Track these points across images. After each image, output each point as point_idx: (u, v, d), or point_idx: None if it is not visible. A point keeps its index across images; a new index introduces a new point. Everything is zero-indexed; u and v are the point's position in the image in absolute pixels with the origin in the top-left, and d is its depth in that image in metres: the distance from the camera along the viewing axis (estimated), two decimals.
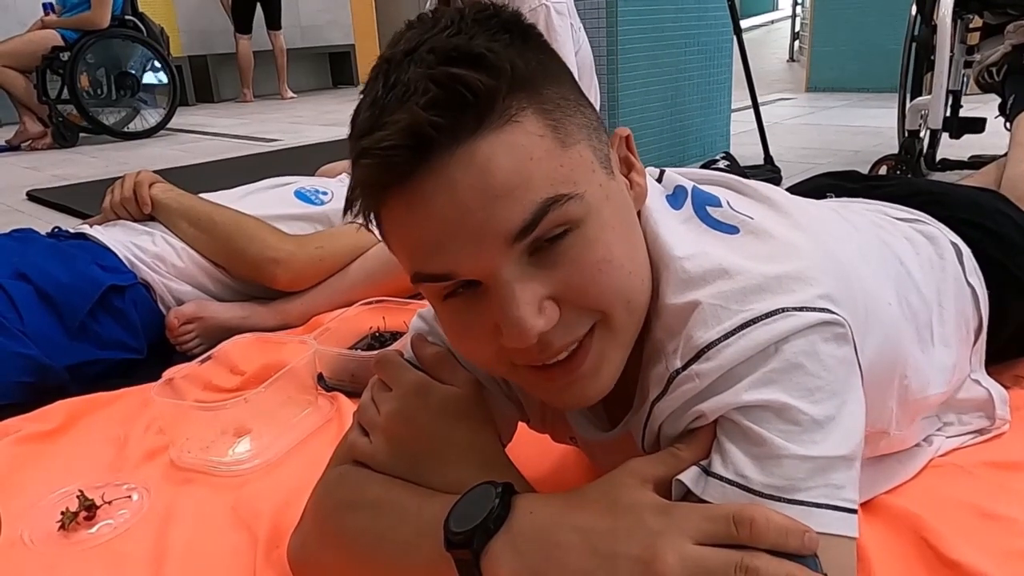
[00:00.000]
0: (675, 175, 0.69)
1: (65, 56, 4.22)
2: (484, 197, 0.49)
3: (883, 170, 2.41)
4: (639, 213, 0.61)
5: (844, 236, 0.73)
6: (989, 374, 0.96)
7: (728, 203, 0.63)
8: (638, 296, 0.56)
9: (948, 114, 2.29)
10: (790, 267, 0.56)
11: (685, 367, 0.55)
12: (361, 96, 0.54)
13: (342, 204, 1.78)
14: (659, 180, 0.68)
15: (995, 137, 2.43)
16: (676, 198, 0.65)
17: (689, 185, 0.66)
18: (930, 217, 0.94)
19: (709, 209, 0.63)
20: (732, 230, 0.61)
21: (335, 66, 7.87)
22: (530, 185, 0.50)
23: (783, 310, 0.54)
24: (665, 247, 0.59)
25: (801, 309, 0.54)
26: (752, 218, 0.61)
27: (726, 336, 0.54)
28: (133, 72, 4.60)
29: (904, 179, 1.84)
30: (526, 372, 0.57)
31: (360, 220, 0.56)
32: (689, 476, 0.55)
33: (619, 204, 0.56)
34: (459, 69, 0.48)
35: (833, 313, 0.55)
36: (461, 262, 0.51)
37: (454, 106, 0.48)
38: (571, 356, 0.55)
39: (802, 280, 0.56)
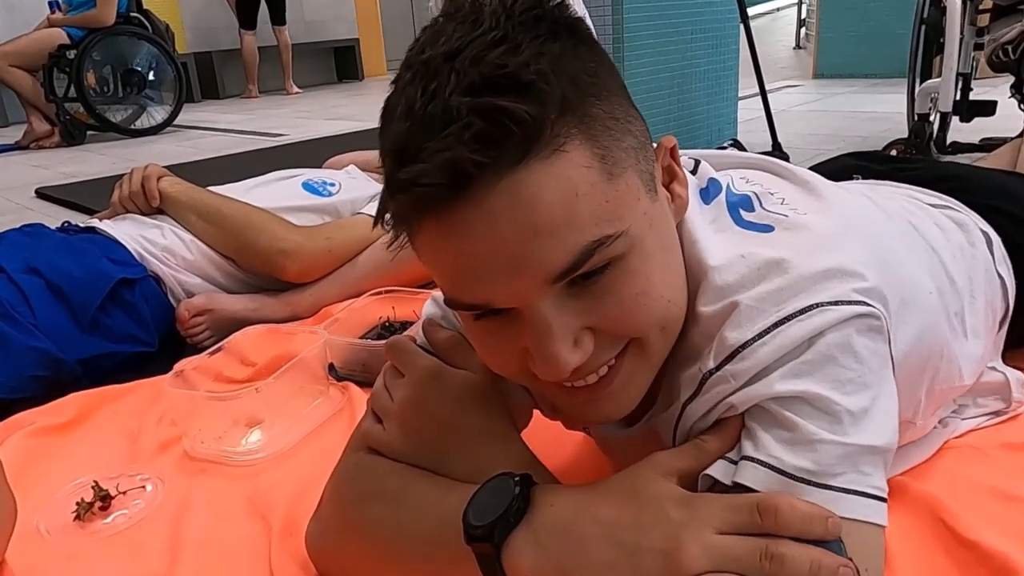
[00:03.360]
0: (709, 167, 0.68)
1: (71, 54, 4.22)
2: (526, 233, 0.47)
3: (893, 153, 2.40)
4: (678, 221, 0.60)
5: (881, 224, 0.71)
6: (1005, 359, 0.95)
7: (760, 204, 0.62)
8: (673, 320, 0.56)
9: (958, 97, 2.27)
10: (827, 263, 0.56)
11: (719, 367, 0.55)
12: (392, 87, 0.51)
13: (350, 195, 1.78)
14: (693, 171, 0.67)
15: (1006, 120, 2.42)
16: (708, 192, 0.65)
17: (724, 182, 0.65)
18: (960, 203, 0.93)
19: (742, 212, 0.62)
20: (767, 228, 0.60)
21: (340, 61, 7.86)
22: (575, 225, 0.48)
23: (817, 305, 0.53)
24: (702, 253, 0.58)
25: (836, 303, 0.54)
26: (786, 216, 0.60)
27: (761, 335, 0.53)
28: (139, 69, 4.60)
29: (931, 161, 1.81)
30: (551, 387, 0.57)
31: (392, 241, 0.54)
32: (716, 469, 0.55)
33: (660, 228, 0.55)
34: (506, 101, 0.45)
35: (869, 305, 0.54)
36: (498, 294, 0.50)
37: (499, 140, 0.45)
38: (600, 379, 0.55)
39: (837, 275, 0.55)
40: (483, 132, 0.45)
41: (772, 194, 0.64)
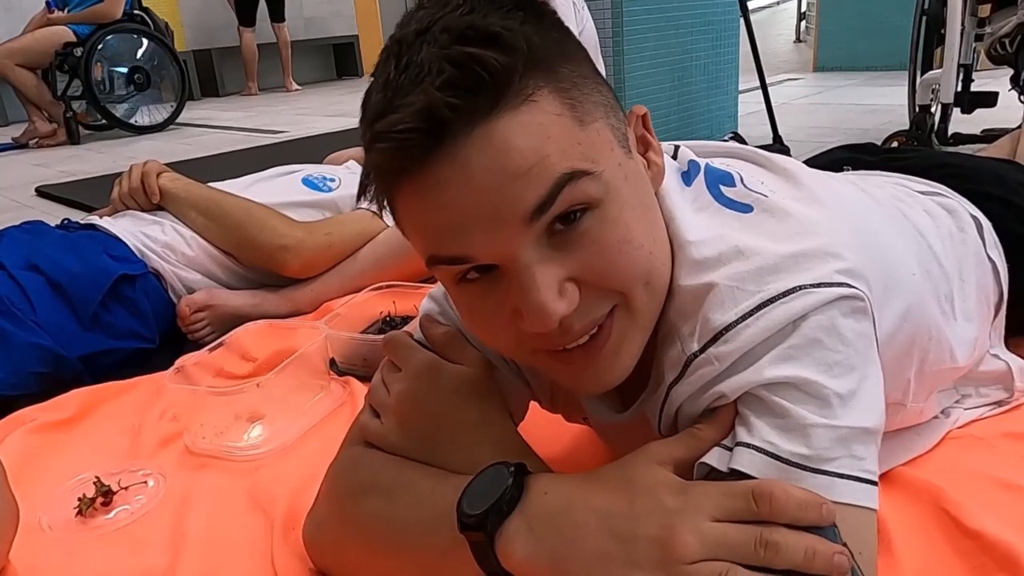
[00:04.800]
0: (689, 151, 0.68)
1: (78, 52, 4.21)
2: (501, 178, 0.48)
3: (894, 145, 2.39)
4: (656, 193, 0.60)
5: (865, 209, 0.72)
6: (1008, 347, 0.95)
7: (741, 181, 0.62)
8: (658, 276, 0.56)
9: (960, 88, 2.26)
10: (806, 244, 0.56)
11: (702, 350, 0.55)
12: (372, 78, 0.53)
13: (350, 191, 1.78)
14: (674, 156, 0.67)
15: (1007, 111, 2.41)
16: (689, 175, 0.64)
17: (702, 162, 0.65)
18: (950, 190, 0.93)
19: (722, 188, 0.62)
20: (746, 208, 0.60)
21: (339, 57, 7.85)
22: (546, 162, 0.49)
23: (800, 287, 0.53)
24: (680, 229, 0.58)
25: (819, 285, 0.54)
26: (766, 196, 0.60)
27: (744, 317, 0.53)
28: (143, 67, 4.59)
29: (923, 151, 1.81)
30: (545, 357, 0.57)
31: (374, 206, 0.56)
32: (712, 457, 0.54)
33: (637, 184, 0.55)
34: (475, 48, 0.47)
35: (852, 287, 0.54)
36: (478, 245, 0.51)
37: (470, 86, 0.47)
38: (592, 339, 0.55)
39: (818, 257, 0.55)
40: (455, 78, 0.47)
41: (753, 175, 0.64)
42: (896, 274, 0.65)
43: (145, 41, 4.59)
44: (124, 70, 4.53)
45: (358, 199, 0.56)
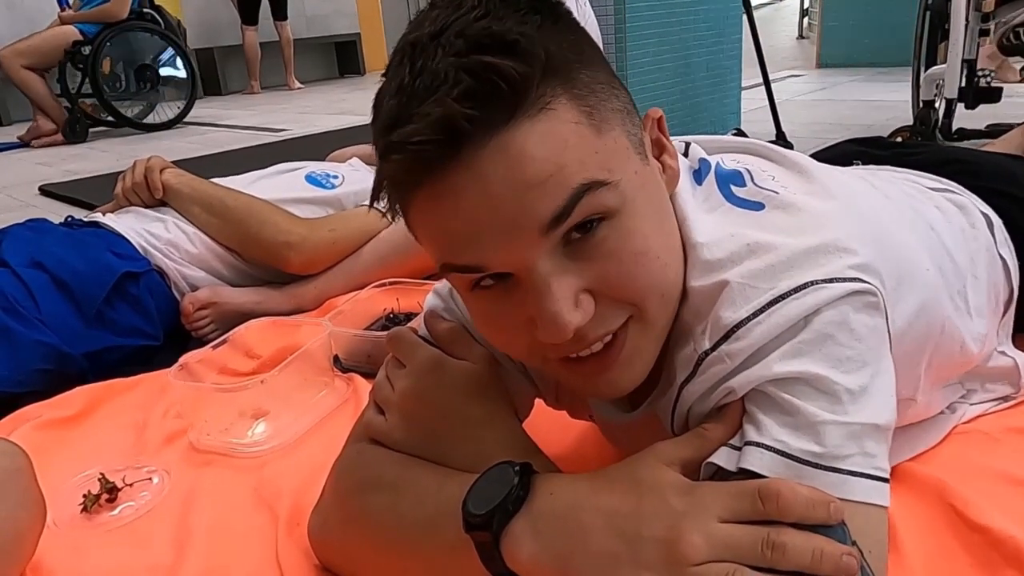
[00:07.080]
0: (700, 148, 0.67)
1: (86, 50, 4.21)
2: (517, 188, 0.48)
3: (898, 140, 2.38)
4: (670, 195, 0.59)
5: (877, 204, 0.71)
6: (1015, 343, 0.95)
7: (752, 179, 0.62)
8: (672, 287, 0.56)
9: (963, 84, 2.25)
10: (818, 239, 0.55)
11: (714, 348, 0.55)
12: (383, 79, 0.52)
13: (353, 187, 1.78)
14: (684, 154, 0.67)
15: (1010, 108, 2.40)
16: (700, 173, 0.64)
17: (713, 160, 0.65)
18: (961, 187, 0.92)
19: (733, 188, 0.62)
20: (757, 206, 0.60)
21: (341, 55, 7.84)
22: (564, 172, 0.48)
23: (812, 283, 0.53)
24: (691, 231, 0.58)
25: (831, 281, 0.53)
26: (777, 192, 0.60)
27: (755, 314, 0.53)
28: (152, 65, 4.59)
29: (934, 146, 1.80)
30: (558, 364, 0.57)
31: (386, 211, 0.55)
32: (719, 457, 0.54)
33: (654, 191, 0.55)
34: (492, 57, 0.46)
35: (864, 282, 0.54)
36: (493, 255, 0.50)
37: (487, 96, 0.46)
38: (605, 348, 0.55)
39: (831, 252, 0.55)
40: (472, 89, 0.46)
41: (763, 171, 0.64)
42: (910, 269, 0.64)
43: (155, 39, 4.59)
44: (133, 68, 4.53)
45: (370, 204, 0.56)
